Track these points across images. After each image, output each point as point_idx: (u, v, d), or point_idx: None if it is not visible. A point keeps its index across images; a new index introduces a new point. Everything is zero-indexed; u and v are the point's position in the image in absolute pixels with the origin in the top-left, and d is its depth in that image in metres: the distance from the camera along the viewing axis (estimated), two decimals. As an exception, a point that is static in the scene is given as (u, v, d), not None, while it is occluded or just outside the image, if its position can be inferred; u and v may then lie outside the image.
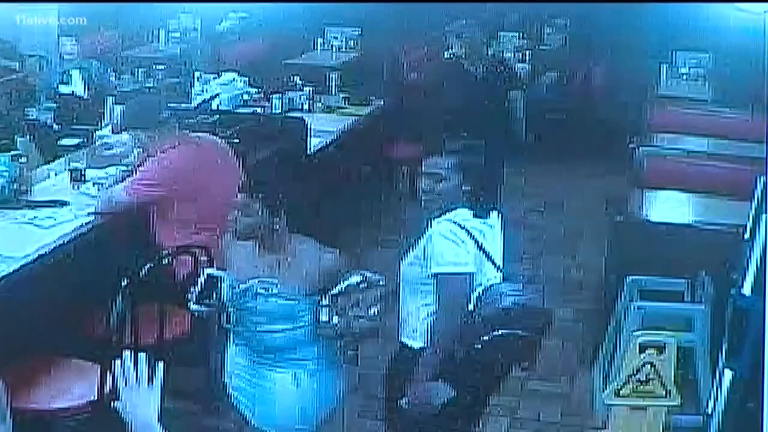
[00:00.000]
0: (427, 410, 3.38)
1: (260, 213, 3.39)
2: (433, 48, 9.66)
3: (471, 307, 3.32)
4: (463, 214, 3.37)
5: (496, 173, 3.56)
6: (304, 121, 6.35)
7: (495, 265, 3.41)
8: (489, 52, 7.36)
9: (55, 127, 6.30)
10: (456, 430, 3.53)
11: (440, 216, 3.38)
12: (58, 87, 7.30)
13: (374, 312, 3.37)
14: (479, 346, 3.28)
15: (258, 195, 3.40)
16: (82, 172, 5.05)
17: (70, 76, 7.37)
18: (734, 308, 3.30)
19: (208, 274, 3.52)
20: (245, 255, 3.50)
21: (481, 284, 3.36)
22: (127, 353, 2.47)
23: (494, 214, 3.50)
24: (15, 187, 4.75)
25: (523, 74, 9.55)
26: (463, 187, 3.39)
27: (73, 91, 7.27)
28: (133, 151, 4.89)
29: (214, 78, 7.10)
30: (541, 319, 3.39)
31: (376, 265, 3.90)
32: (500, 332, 3.27)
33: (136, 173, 4.64)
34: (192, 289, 3.51)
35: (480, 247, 3.35)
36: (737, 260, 3.54)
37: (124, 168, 4.84)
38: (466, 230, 3.33)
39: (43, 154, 5.53)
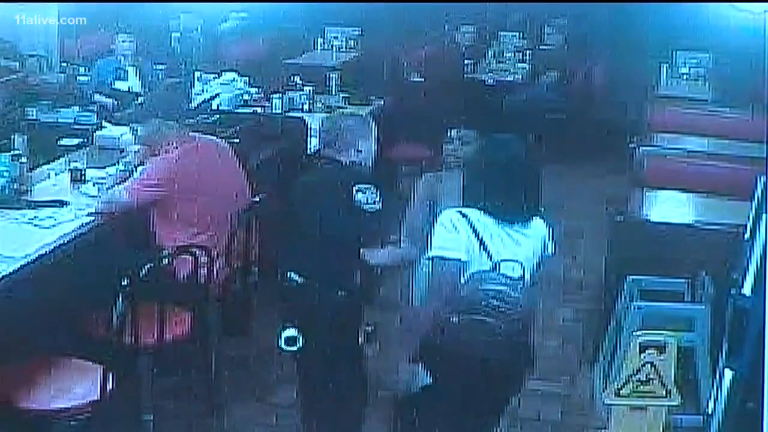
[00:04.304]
0: (406, 392, 3.45)
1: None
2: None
3: (458, 291, 3.34)
4: (475, 210, 3.40)
5: (525, 179, 3.54)
6: (305, 121, 6.35)
7: (490, 259, 3.37)
8: None
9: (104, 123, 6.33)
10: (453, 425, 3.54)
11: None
12: (113, 83, 7.36)
13: None
14: (448, 328, 3.31)
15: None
16: (83, 172, 5.05)
17: (126, 72, 7.43)
18: (734, 308, 3.29)
19: None
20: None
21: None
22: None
23: (527, 225, 3.46)
24: (15, 187, 4.75)
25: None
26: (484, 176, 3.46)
27: (129, 87, 7.34)
28: (133, 151, 4.89)
29: (215, 78, 7.10)
30: (514, 313, 3.30)
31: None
32: (467, 316, 3.27)
33: (136, 173, 4.65)
34: None
35: (479, 239, 3.35)
36: (737, 260, 3.53)
37: (123, 168, 4.85)
38: (468, 220, 3.36)
39: (37, 154, 5.51)
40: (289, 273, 4.10)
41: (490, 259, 3.37)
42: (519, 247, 3.43)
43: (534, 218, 3.50)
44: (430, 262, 3.41)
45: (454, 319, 3.31)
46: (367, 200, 3.98)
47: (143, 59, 7.66)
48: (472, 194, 3.47)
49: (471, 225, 3.37)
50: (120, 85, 7.37)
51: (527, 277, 3.41)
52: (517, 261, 3.37)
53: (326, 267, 4.04)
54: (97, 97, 7.18)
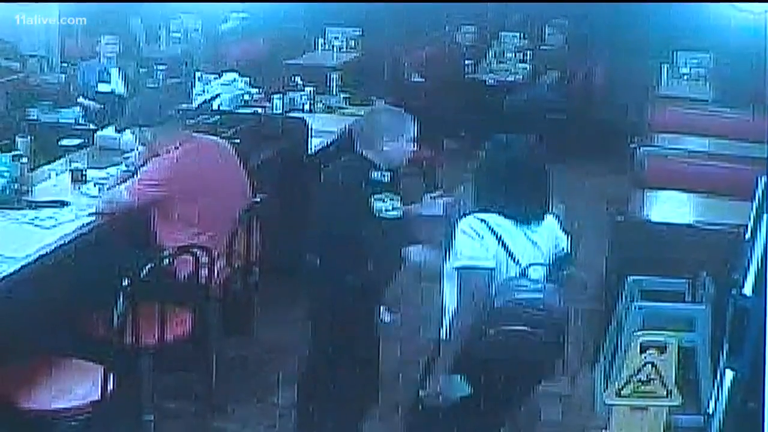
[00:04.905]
0: (444, 404, 3.39)
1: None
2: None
3: (490, 301, 3.29)
4: (493, 214, 3.38)
5: (537, 178, 3.55)
6: (305, 121, 6.35)
7: (516, 263, 3.36)
8: None
9: (91, 126, 6.31)
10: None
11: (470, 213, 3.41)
12: (96, 86, 7.35)
13: None
14: (487, 341, 3.26)
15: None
16: (83, 173, 5.05)
17: (109, 74, 7.42)
18: (735, 308, 3.30)
19: None
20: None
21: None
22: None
23: (540, 224, 3.46)
24: (16, 187, 4.75)
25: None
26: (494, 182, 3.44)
27: (113, 90, 7.33)
28: (135, 151, 4.89)
29: (215, 78, 7.10)
30: (553, 319, 3.27)
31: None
32: (506, 327, 3.23)
33: (137, 173, 4.65)
34: None
35: (503, 244, 3.33)
36: (738, 260, 3.53)
37: (125, 168, 4.85)
38: (489, 226, 3.32)
39: (38, 154, 5.51)
40: (308, 255, 4.15)
41: (516, 264, 3.34)
42: (538, 248, 3.40)
43: (546, 216, 3.49)
44: (457, 273, 3.35)
45: (491, 332, 3.24)
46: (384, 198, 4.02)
47: (126, 61, 7.63)
48: (485, 198, 3.42)
49: (492, 230, 3.32)
50: (102, 87, 7.36)
51: (552, 277, 3.39)
52: (542, 264, 3.35)
53: (343, 255, 4.06)
54: (80, 99, 7.17)
